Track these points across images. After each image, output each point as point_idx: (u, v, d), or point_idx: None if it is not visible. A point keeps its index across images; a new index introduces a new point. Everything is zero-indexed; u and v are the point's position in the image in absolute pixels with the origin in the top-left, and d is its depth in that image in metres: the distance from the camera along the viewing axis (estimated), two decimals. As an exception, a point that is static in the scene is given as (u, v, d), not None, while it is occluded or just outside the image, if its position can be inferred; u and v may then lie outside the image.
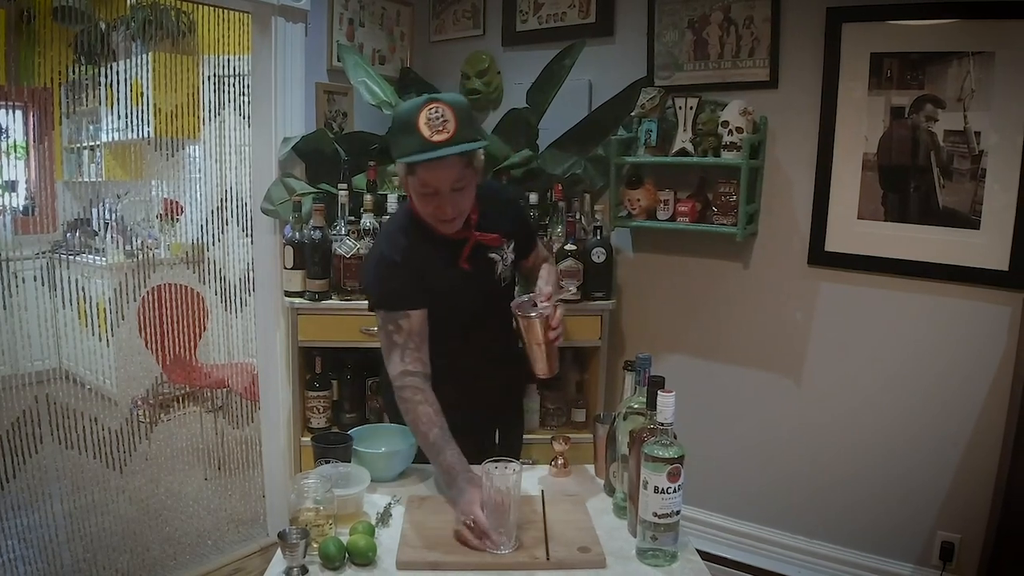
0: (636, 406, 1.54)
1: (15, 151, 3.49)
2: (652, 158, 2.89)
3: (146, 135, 3.52)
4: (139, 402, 3.58)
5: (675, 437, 1.39)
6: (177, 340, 3.70)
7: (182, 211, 3.72)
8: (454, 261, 1.79)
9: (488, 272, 1.86)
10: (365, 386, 2.98)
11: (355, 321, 2.68)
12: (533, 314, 1.74)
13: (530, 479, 1.80)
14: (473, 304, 1.84)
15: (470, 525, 1.47)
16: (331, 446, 1.73)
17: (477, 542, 1.45)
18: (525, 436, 2.29)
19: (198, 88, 3.54)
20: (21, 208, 3.58)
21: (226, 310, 3.75)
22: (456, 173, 1.64)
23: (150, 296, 3.57)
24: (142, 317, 3.53)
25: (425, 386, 1.70)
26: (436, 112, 1.58)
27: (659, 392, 1.38)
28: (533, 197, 2.85)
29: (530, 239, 2.01)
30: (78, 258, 3.84)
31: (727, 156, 2.71)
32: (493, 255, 1.86)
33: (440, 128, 1.58)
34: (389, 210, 2.73)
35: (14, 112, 3.50)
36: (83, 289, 3.39)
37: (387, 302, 1.75)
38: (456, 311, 1.82)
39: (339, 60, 3.13)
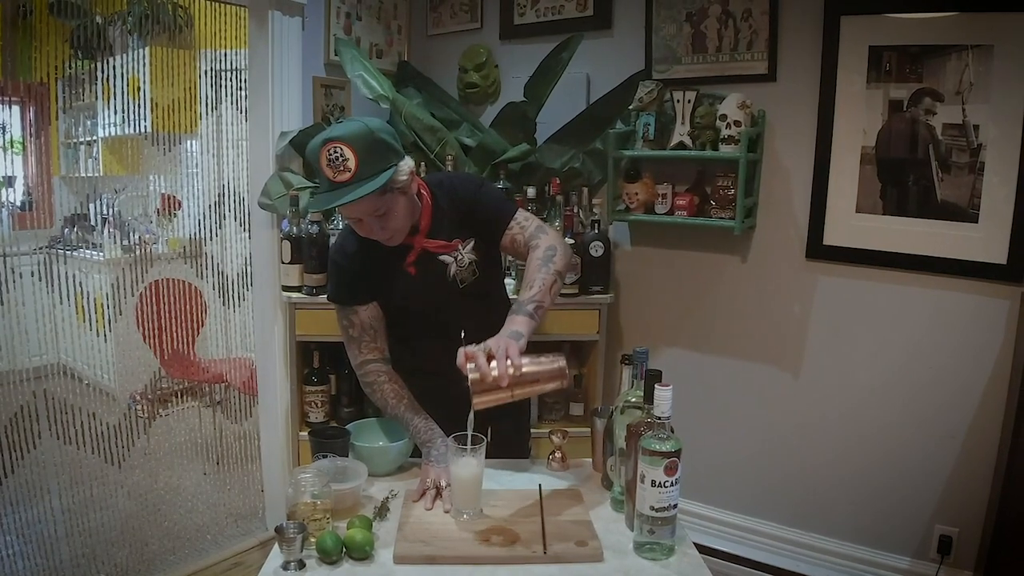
0: (633, 400, 1.54)
1: (12, 146, 3.47)
2: (650, 152, 2.88)
3: (143, 130, 3.51)
4: (137, 397, 3.57)
5: (672, 431, 1.39)
6: (175, 335, 3.69)
7: (180, 206, 3.71)
8: (400, 264, 1.77)
9: (439, 275, 1.79)
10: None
11: (353, 316, 2.67)
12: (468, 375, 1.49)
13: (528, 474, 1.80)
14: (426, 305, 1.81)
15: (427, 488, 1.63)
16: (329, 440, 1.73)
17: (430, 504, 1.60)
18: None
19: (195, 83, 3.53)
20: (18, 203, 3.57)
21: (224, 305, 3.75)
22: (370, 205, 1.61)
23: (148, 291, 3.56)
24: (140, 312, 3.53)
25: (386, 367, 1.83)
26: (335, 153, 1.54)
27: (656, 386, 1.38)
28: (531, 191, 2.84)
29: (498, 222, 1.81)
30: (76, 253, 3.83)
31: (725, 149, 2.71)
32: (444, 258, 1.78)
33: (341, 168, 1.54)
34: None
35: (11, 107, 3.48)
36: (81, 284, 3.38)
37: (336, 299, 1.84)
38: (408, 311, 1.83)
39: (336, 54, 3.12)
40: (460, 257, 1.79)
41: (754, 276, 2.93)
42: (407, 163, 1.64)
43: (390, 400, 1.79)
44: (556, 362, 1.55)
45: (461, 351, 1.50)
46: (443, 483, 1.63)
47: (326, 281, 2.72)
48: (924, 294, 2.58)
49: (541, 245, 1.76)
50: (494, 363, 1.48)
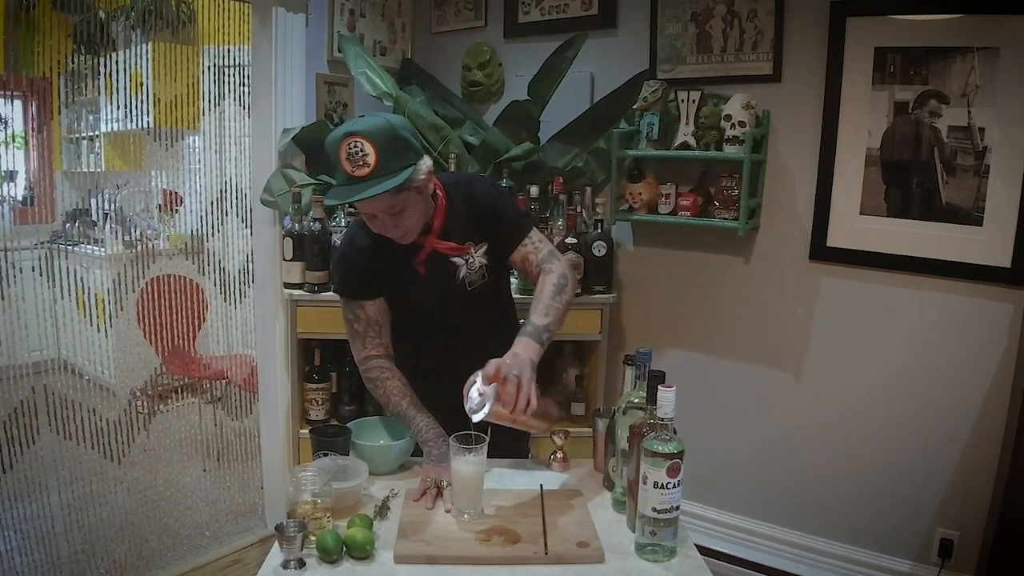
0: (636, 400, 1.53)
1: (14, 141, 3.47)
2: (654, 151, 2.87)
3: (146, 125, 3.50)
4: (138, 393, 3.57)
5: (675, 432, 1.39)
6: (176, 331, 3.69)
7: (181, 202, 3.70)
8: (410, 262, 1.76)
9: (448, 276, 1.78)
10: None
11: (354, 313, 2.66)
12: (469, 405, 1.52)
13: (529, 474, 1.79)
14: (433, 305, 1.81)
15: (428, 487, 1.62)
16: (329, 439, 1.72)
17: (431, 503, 1.59)
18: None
19: (198, 78, 3.52)
20: (20, 198, 3.56)
21: (225, 301, 3.74)
22: (386, 202, 1.59)
23: (149, 287, 3.56)
24: (141, 308, 3.52)
25: (389, 364, 1.81)
26: (355, 147, 1.52)
27: (659, 387, 1.37)
28: (534, 190, 2.83)
29: (512, 236, 1.82)
30: (77, 248, 3.83)
31: (729, 150, 2.70)
32: (455, 260, 1.77)
33: (360, 163, 1.52)
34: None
35: (13, 102, 3.48)
36: (82, 280, 3.38)
37: (343, 291, 1.83)
38: (415, 310, 1.82)
39: (340, 51, 3.12)
40: (471, 260, 1.79)
41: (757, 277, 2.92)
42: (426, 162, 1.63)
43: (393, 397, 1.78)
44: (552, 408, 1.69)
45: (492, 363, 1.51)
46: (444, 482, 1.62)
47: (329, 278, 2.73)
48: (927, 297, 2.57)
49: (555, 271, 1.77)
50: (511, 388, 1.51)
